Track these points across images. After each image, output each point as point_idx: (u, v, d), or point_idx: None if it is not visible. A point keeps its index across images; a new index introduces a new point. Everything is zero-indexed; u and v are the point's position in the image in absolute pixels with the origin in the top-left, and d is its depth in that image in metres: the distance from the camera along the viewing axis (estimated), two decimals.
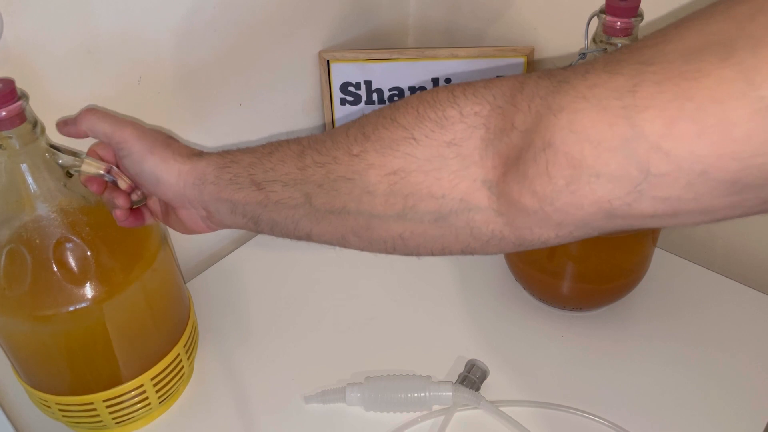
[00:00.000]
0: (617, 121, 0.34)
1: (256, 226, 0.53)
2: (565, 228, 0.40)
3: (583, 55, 0.64)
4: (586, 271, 0.73)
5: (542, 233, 0.41)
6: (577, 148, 0.36)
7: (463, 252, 0.46)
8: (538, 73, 0.41)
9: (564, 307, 0.77)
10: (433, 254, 0.47)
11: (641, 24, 0.62)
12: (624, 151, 0.34)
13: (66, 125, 0.58)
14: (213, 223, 0.58)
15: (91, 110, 0.57)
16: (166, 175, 0.55)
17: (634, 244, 0.71)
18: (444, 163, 0.43)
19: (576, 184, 0.37)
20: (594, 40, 0.64)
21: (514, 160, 0.40)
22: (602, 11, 0.63)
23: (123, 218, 0.59)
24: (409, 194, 0.44)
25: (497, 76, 0.44)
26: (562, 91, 0.37)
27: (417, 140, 0.43)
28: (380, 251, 0.49)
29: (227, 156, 0.54)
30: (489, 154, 0.41)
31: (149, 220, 0.62)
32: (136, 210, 0.61)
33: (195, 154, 0.56)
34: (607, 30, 0.62)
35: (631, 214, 0.37)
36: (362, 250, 0.50)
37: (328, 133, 0.50)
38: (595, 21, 0.64)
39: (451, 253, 0.47)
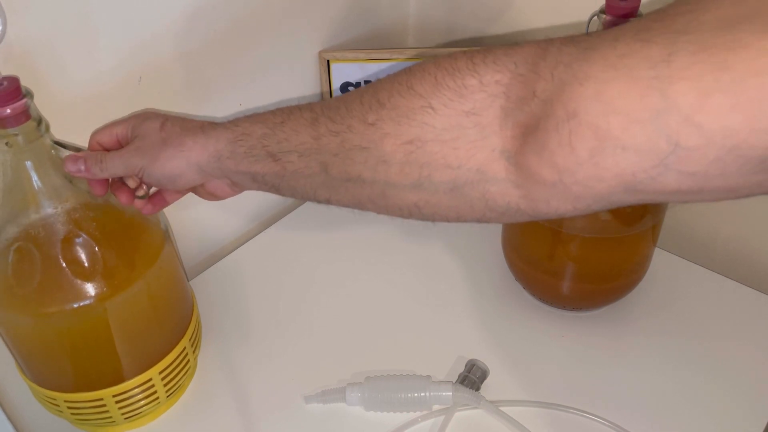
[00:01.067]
0: (649, 92, 0.33)
1: (277, 192, 0.54)
2: (583, 201, 0.40)
3: None
4: (586, 271, 0.73)
5: (559, 206, 0.41)
6: (603, 119, 0.35)
7: (479, 221, 0.46)
8: (561, 39, 0.40)
9: (564, 307, 0.77)
10: (448, 221, 0.47)
11: None
12: (654, 123, 0.33)
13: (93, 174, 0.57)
14: (239, 189, 0.58)
15: (100, 161, 0.57)
16: (177, 170, 0.55)
17: (634, 244, 0.71)
18: (462, 133, 0.42)
19: (599, 156, 0.36)
20: None
21: (534, 130, 0.39)
22: (602, 11, 0.63)
23: (142, 206, 0.60)
24: (425, 164, 0.43)
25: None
26: (589, 59, 0.36)
27: (435, 109, 0.43)
28: (397, 216, 0.49)
29: (236, 128, 0.53)
30: (508, 123, 0.40)
31: (172, 200, 0.63)
32: (156, 195, 0.62)
33: (198, 132, 0.55)
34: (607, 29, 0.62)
35: (654, 189, 0.36)
36: (380, 214, 0.50)
37: (341, 99, 0.49)
38: (595, 21, 0.64)
39: (466, 221, 0.46)
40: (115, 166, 0.56)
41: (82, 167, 0.56)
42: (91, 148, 0.60)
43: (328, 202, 0.51)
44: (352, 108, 0.47)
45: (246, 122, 0.53)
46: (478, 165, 0.42)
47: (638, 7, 0.61)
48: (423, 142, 0.43)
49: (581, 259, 0.72)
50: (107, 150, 0.59)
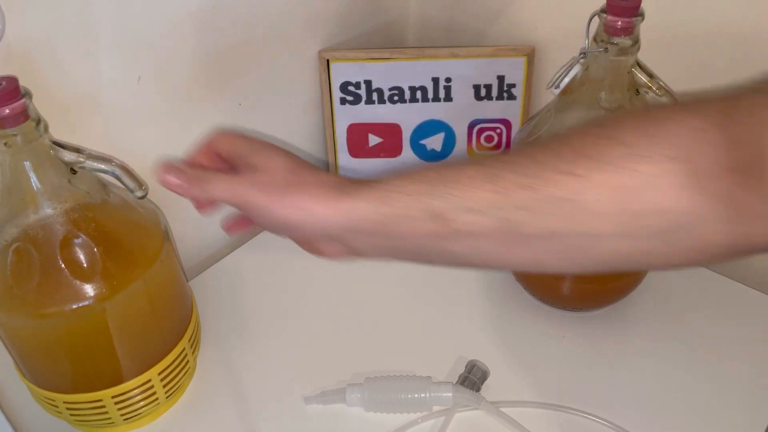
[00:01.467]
0: None
1: (417, 258, 0.50)
2: None
3: (584, 54, 0.64)
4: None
5: None
6: None
7: (686, 265, 0.46)
8: (742, 88, 0.42)
9: (565, 307, 0.77)
10: (650, 269, 0.46)
11: (642, 23, 0.62)
12: None
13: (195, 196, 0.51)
14: (354, 255, 0.52)
15: (203, 181, 0.51)
16: (292, 222, 0.49)
17: None
18: (672, 179, 0.42)
19: None
20: (595, 39, 0.64)
21: (746, 167, 0.40)
22: (603, 11, 0.62)
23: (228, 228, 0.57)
24: (636, 212, 0.43)
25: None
26: None
27: (643, 156, 0.42)
28: (581, 270, 0.48)
29: (388, 187, 0.48)
30: (720, 165, 0.41)
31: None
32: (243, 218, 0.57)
33: (332, 188, 0.49)
34: (608, 29, 0.62)
35: None
36: (558, 270, 0.49)
37: (520, 153, 0.47)
38: (596, 20, 0.64)
39: (671, 268, 0.46)
40: (221, 192, 0.50)
41: (184, 184, 0.51)
42: (197, 151, 0.54)
43: (497, 264, 0.49)
44: (544, 161, 0.45)
45: (399, 180, 0.48)
46: (692, 207, 0.42)
47: (639, 6, 0.61)
48: (633, 190, 0.43)
49: None
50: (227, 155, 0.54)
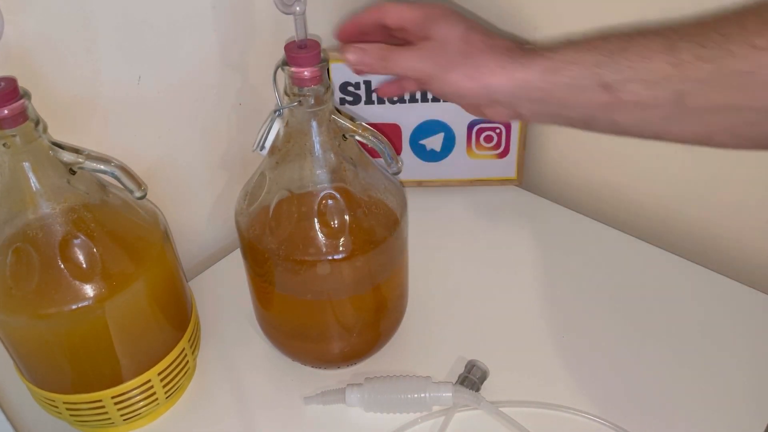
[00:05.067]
0: None
1: (585, 126, 0.51)
2: None
3: (279, 112, 0.60)
4: (355, 324, 0.69)
5: None
6: None
7: None
8: None
9: (339, 366, 0.73)
10: None
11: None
12: None
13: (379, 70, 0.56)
14: (517, 118, 0.55)
15: (384, 57, 0.54)
16: (469, 91, 0.52)
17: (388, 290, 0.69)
18: None
19: None
20: (286, 93, 0.59)
21: None
22: (286, 63, 0.57)
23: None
24: None
25: None
26: None
27: None
28: (744, 147, 0.48)
29: (555, 56, 0.50)
30: None
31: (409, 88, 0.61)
32: (395, 83, 0.61)
33: (505, 56, 0.52)
34: (297, 81, 0.57)
35: None
36: (726, 147, 0.48)
37: (701, 26, 0.46)
38: (281, 72, 0.58)
39: None
40: (400, 65, 0.54)
41: (367, 60, 0.55)
42: (361, 18, 0.58)
43: (658, 136, 0.49)
44: (729, 33, 0.44)
45: (569, 50, 0.50)
46: None
47: (319, 53, 0.56)
48: None
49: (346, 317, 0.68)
50: (370, 29, 0.57)
